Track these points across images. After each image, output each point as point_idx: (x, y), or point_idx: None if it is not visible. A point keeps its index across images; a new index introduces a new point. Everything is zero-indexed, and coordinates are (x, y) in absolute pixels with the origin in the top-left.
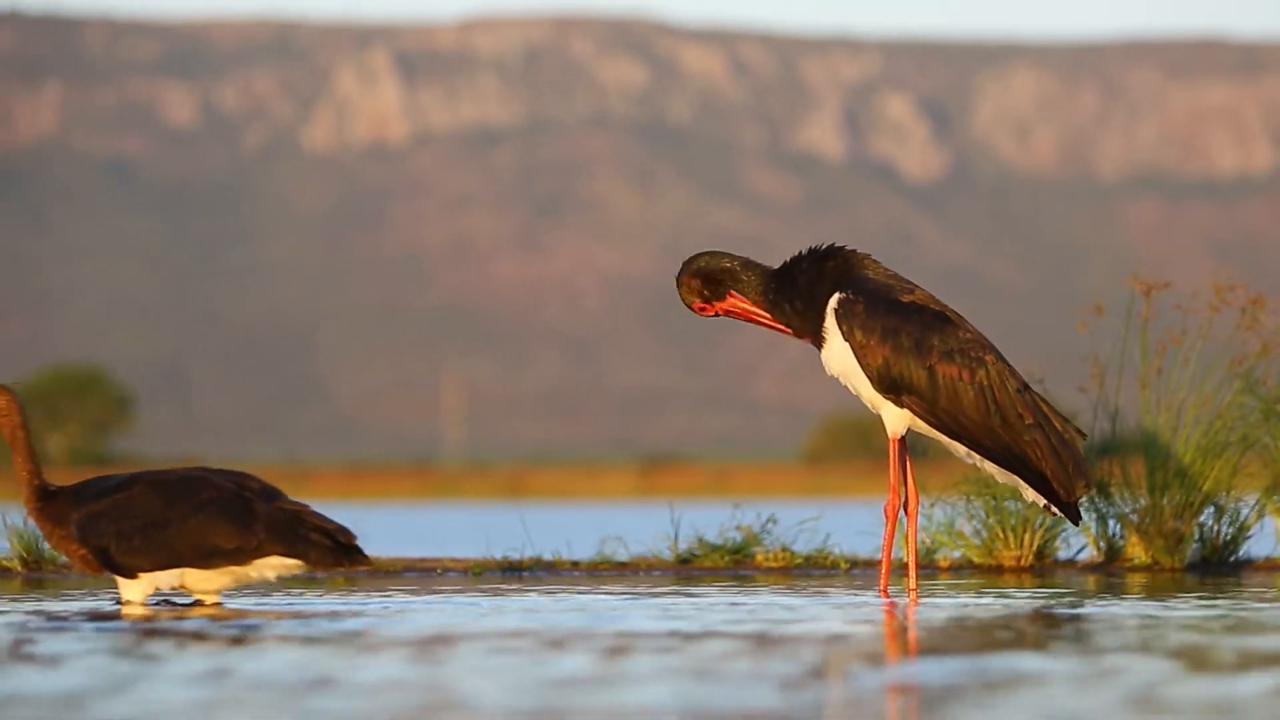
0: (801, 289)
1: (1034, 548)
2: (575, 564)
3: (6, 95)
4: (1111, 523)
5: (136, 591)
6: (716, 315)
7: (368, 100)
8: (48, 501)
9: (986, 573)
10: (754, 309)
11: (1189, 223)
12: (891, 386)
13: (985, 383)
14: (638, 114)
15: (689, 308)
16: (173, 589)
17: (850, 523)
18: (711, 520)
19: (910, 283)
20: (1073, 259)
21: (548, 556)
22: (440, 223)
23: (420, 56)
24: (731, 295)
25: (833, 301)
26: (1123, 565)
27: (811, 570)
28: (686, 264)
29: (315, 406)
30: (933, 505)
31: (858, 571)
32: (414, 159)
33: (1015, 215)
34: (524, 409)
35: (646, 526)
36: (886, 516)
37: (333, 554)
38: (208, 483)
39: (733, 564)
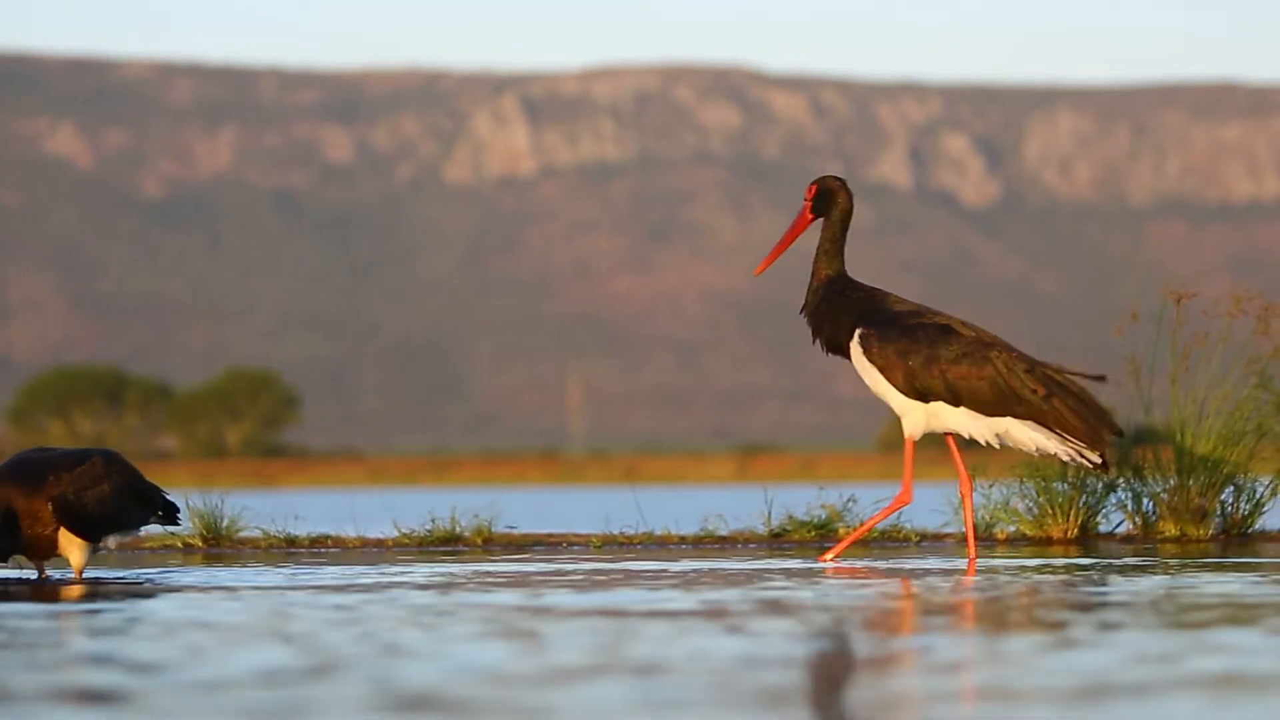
0: (837, 309)
1: (1078, 523)
2: (682, 538)
3: (189, 137)
4: (1145, 500)
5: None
6: (803, 213)
7: (501, 139)
8: None
9: (1038, 544)
10: (793, 238)
11: (1209, 242)
12: (918, 395)
13: (994, 374)
14: (734, 151)
15: (810, 187)
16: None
17: (921, 502)
18: (799, 500)
19: (923, 307)
20: (1109, 274)
21: (658, 532)
22: (565, 245)
23: (546, 102)
24: (811, 218)
25: (855, 339)
26: (1155, 537)
27: (886, 543)
28: (841, 185)
29: (458, 403)
30: (991, 486)
31: (926, 544)
32: (541, 190)
33: (1060, 237)
34: (638, 405)
35: (743, 506)
36: (898, 503)
37: None
38: None
39: (819, 538)
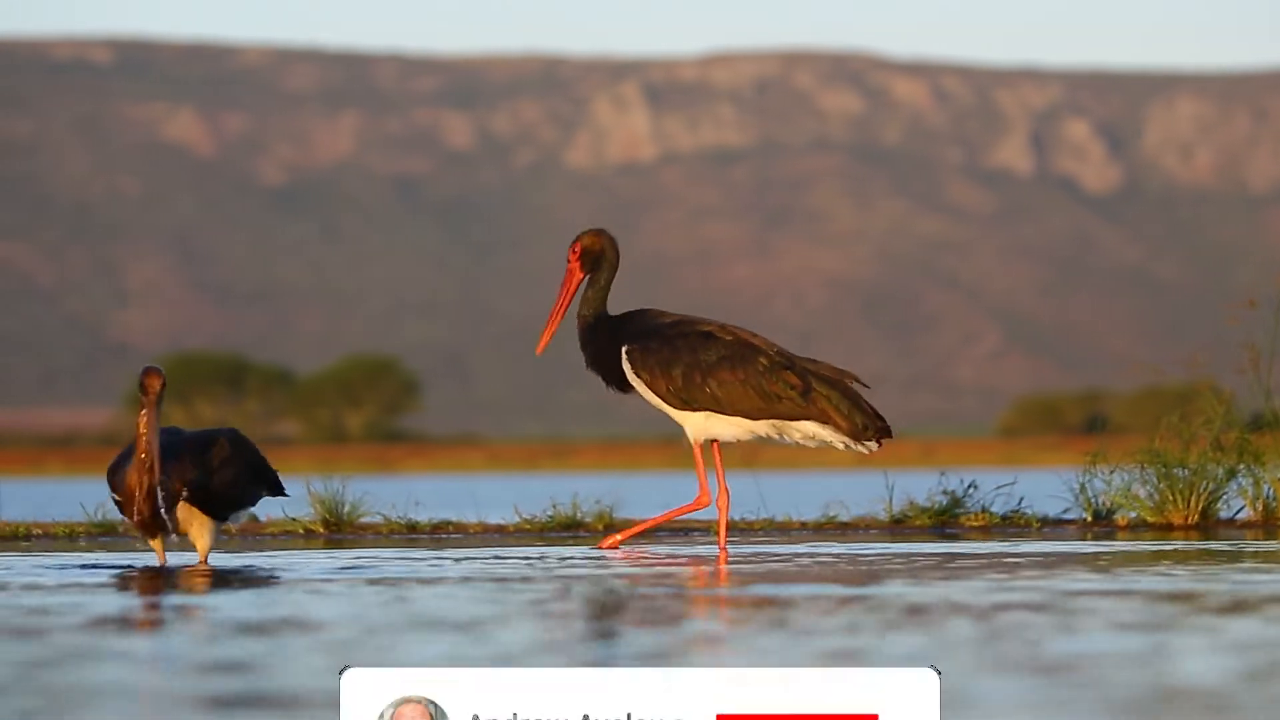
0: (601, 343)
1: (1199, 509)
2: (804, 524)
3: (309, 122)
4: (1265, 486)
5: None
6: (570, 270)
7: (621, 125)
8: None
9: (1158, 530)
10: (567, 301)
11: None
12: (684, 403)
13: (754, 376)
14: (854, 137)
15: (573, 247)
16: None
17: (1041, 488)
18: (920, 487)
19: (688, 317)
20: (1228, 260)
21: (779, 518)
22: (684, 231)
23: (666, 87)
24: (582, 276)
25: (623, 356)
26: (1276, 522)
27: (1008, 529)
28: (604, 239)
29: (577, 388)
30: (1112, 472)
31: (1048, 529)
32: (661, 176)
33: (1179, 222)
34: None
35: (864, 492)
36: (695, 505)
37: None
38: None
39: (939, 524)
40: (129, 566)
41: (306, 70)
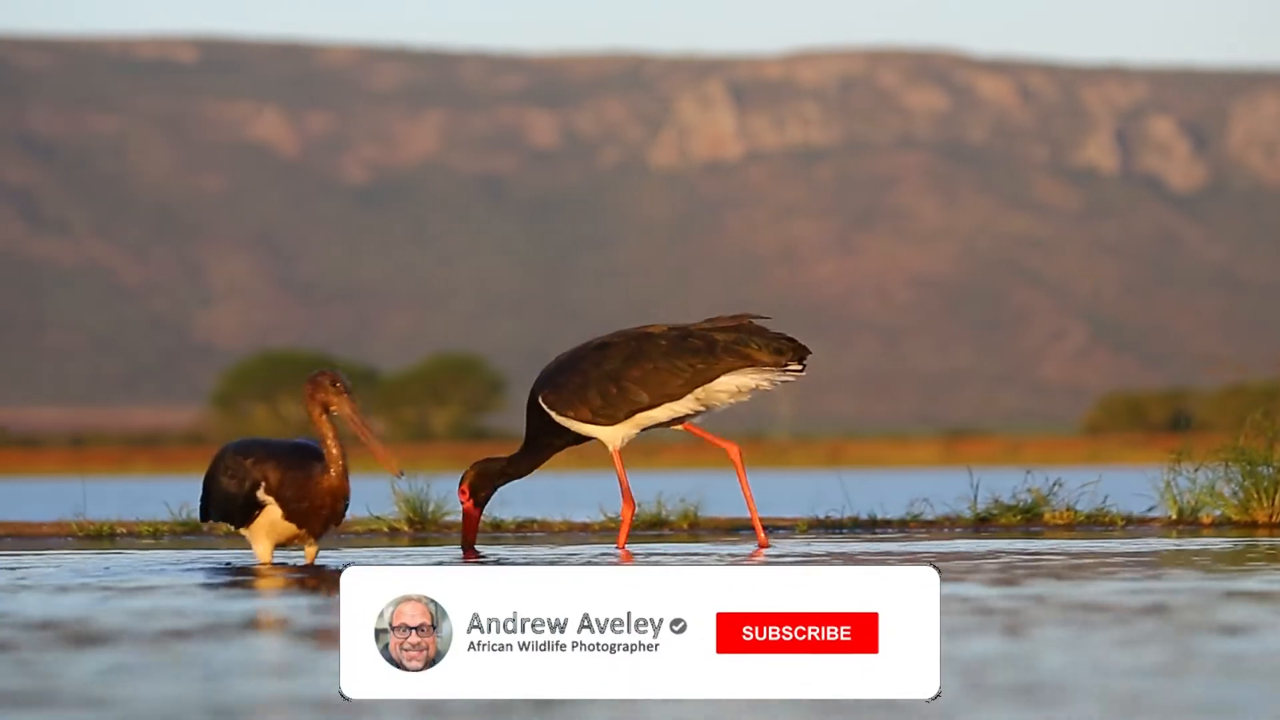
0: (539, 428)
1: None
2: (888, 522)
3: (394, 121)
4: None
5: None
6: (466, 511)
7: (706, 124)
8: None
9: (1242, 528)
10: (474, 534)
11: None
12: (612, 419)
13: (660, 359)
14: (939, 135)
15: (461, 489)
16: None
17: (1126, 486)
18: (1005, 484)
19: (588, 341)
20: None
21: (864, 516)
22: (769, 229)
23: (751, 86)
24: (479, 512)
25: (540, 403)
26: None
27: (1093, 527)
28: (471, 476)
29: None
30: (1196, 470)
31: (1133, 527)
32: (746, 174)
33: (1265, 221)
34: (842, 389)
35: (949, 490)
36: (624, 519)
37: None
38: None
39: (1024, 522)
40: (244, 566)
41: (391, 69)
